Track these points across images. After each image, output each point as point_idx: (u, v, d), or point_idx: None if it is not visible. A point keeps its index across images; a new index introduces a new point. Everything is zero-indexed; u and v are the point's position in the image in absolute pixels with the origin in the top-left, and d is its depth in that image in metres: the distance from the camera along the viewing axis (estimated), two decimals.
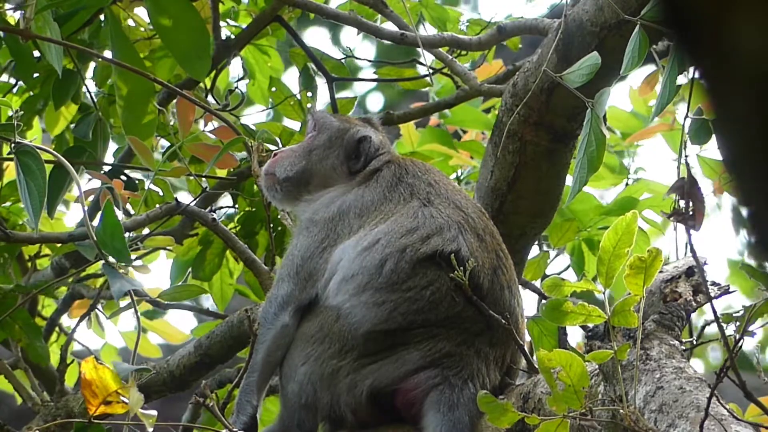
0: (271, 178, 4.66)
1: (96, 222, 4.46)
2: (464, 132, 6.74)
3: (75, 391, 5.75)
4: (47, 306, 6.53)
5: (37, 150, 4.56)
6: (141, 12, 5.86)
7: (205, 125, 5.23)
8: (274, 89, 6.13)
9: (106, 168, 5.63)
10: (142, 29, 5.87)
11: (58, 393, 5.51)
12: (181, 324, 6.44)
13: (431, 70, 5.90)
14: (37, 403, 5.54)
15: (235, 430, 4.04)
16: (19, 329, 5.53)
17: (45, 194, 4.51)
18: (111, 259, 4.41)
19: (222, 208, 5.90)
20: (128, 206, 5.29)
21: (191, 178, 5.64)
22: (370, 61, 6.60)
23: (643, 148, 6.77)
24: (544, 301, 3.80)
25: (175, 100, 5.25)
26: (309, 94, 5.99)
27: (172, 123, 5.71)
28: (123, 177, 5.56)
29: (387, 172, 4.52)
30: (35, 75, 5.67)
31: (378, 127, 4.79)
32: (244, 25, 6.05)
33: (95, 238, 4.40)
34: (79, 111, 5.78)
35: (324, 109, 5.06)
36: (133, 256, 5.75)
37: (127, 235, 4.98)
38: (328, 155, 4.62)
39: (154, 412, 3.74)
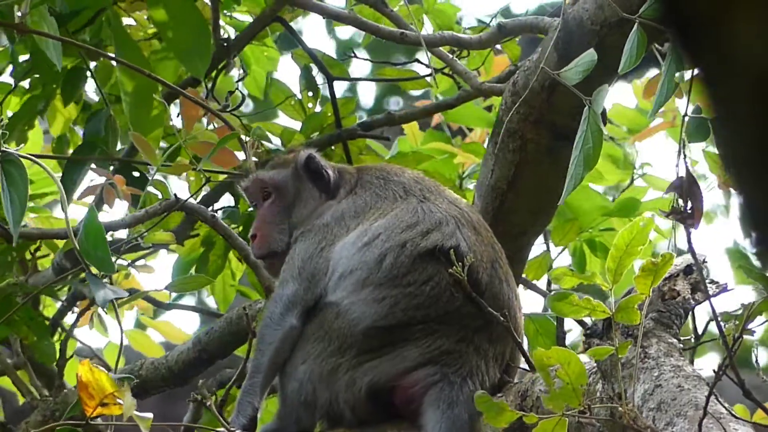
0: (276, 260, 4.56)
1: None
2: (470, 130, 6.71)
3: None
4: (48, 306, 6.52)
5: (21, 158, 4.58)
6: (142, 13, 5.86)
7: (207, 125, 5.24)
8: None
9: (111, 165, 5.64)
10: (141, 33, 5.86)
11: (57, 388, 5.53)
12: (184, 324, 6.46)
13: (433, 70, 5.89)
14: (36, 397, 5.55)
15: (233, 429, 4.05)
16: (26, 327, 5.54)
17: (26, 203, 4.54)
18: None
19: (224, 208, 5.89)
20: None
21: (193, 175, 5.63)
22: (372, 61, 6.60)
23: (648, 144, 6.76)
24: (549, 294, 3.80)
25: (178, 99, 5.25)
26: (310, 93, 6.00)
27: (172, 123, 5.72)
28: (135, 174, 5.58)
29: (367, 178, 4.54)
30: (36, 75, 5.67)
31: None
32: (233, 33, 6.03)
33: (78, 247, 4.43)
34: (82, 111, 5.79)
35: (254, 167, 4.97)
36: (134, 256, 5.78)
37: (125, 231, 5.00)
38: (302, 196, 4.61)
39: (150, 415, 3.80)
